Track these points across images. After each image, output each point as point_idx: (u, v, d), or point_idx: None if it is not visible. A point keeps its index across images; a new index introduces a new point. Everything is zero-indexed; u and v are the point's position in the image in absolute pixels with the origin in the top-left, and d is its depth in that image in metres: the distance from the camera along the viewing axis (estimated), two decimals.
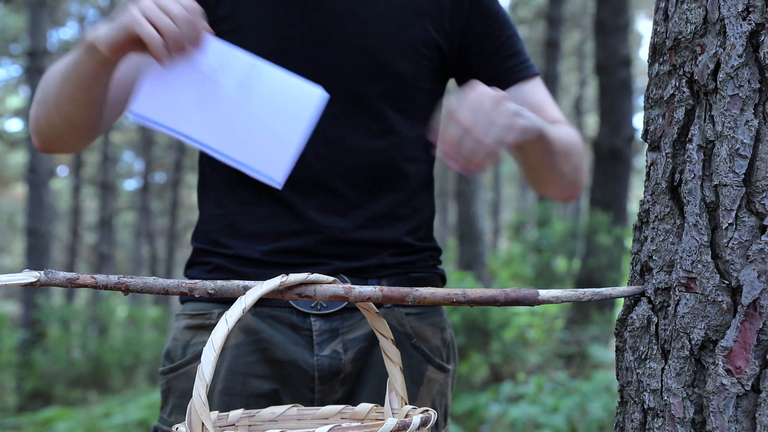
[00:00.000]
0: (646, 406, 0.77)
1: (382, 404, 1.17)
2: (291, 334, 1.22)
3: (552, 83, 11.32)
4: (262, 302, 1.16)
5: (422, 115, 1.31)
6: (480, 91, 1.09)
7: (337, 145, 1.24)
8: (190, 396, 1.20)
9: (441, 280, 1.36)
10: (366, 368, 1.24)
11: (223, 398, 1.19)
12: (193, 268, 1.30)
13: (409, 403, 1.20)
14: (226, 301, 1.18)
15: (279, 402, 1.20)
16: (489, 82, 1.29)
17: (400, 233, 1.28)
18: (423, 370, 1.28)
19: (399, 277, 1.27)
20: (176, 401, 1.24)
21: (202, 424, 0.63)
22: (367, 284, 1.21)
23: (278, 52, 1.22)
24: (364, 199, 1.26)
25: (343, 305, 1.23)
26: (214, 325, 1.17)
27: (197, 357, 1.21)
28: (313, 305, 1.22)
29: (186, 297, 1.24)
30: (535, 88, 1.36)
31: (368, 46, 1.25)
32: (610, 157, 7.51)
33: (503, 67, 1.34)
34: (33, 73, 9.56)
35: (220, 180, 1.29)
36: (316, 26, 1.25)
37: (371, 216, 1.26)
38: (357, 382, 1.24)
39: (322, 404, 1.20)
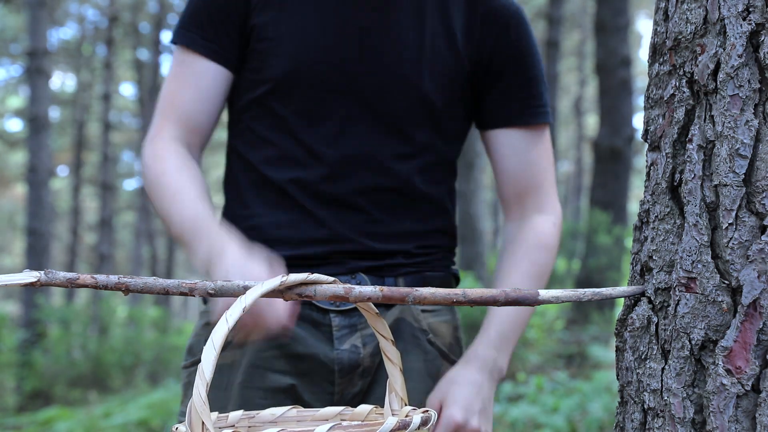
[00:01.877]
0: (646, 406, 0.77)
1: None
2: (311, 330, 1.24)
3: (552, 83, 11.32)
4: None
5: (448, 141, 1.35)
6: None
7: (367, 165, 1.27)
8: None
9: (455, 280, 1.39)
10: (384, 362, 1.26)
11: (242, 391, 1.21)
12: None
13: (424, 398, 1.25)
14: None
15: (296, 396, 1.23)
16: (494, 115, 1.36)
17: (417, 246, 1.31)
18: (438, 365, 1.31)
19: (414, 276, 1.30)
20: None
21: (202, 423, 0.63)
22: (383, 283, 1.27)
23: (314, 69, 1.25)
24: (386, 215, 1.29)
25: None
26: None
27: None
28: (332, 302, 1.24)
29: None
30: (535, 141, 1.36)
31: (403, 71, 1.27)
32: (610, 157, 7.51)
33: (512, 105, 1.34)
34: (33, 73, 9.56)
35: (247, 180, 1.31)
36: (354, 47, 1.26)
37: (392, 232, 1.29)
38: (375, 376, 1.27)
39: (342, 397, 1.25)
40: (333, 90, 1.25)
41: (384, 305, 1.27)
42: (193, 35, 1.29)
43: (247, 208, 1.30)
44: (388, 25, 1.27)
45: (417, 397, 1.26)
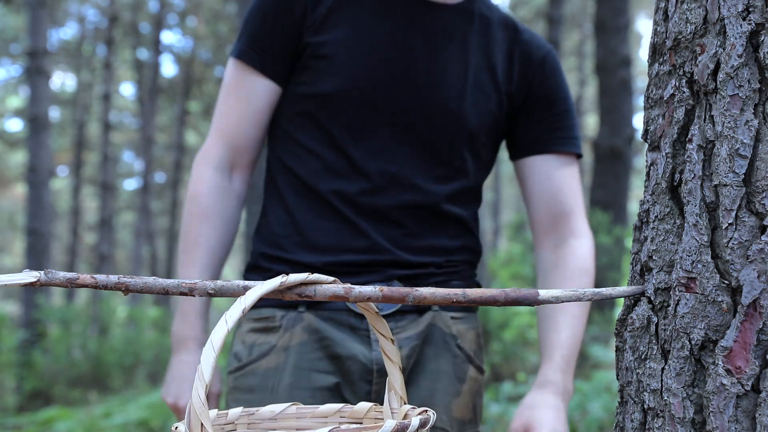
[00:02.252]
0: (646, 406, 0.77)
1: (433, 396, 1.34)
2: (350, 333, 1.33)
3: None
4: (322, 306, 1.33)
5: (481, 169, 1.45)
6: None
7: (405, 183, 1.35)
8: (256, 391, 1.32)
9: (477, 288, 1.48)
10: (418, 364, 1.36)
11: (291, 392, 1.29)
12: (253, 273, 1.39)
13: (453, 399, 1.37)
14: (287, 305, 1.33)
15: (340, 394, 1.31)
16: (529, 143, 1.46)
17: (447, 261, 1.40)
18: (465, 369, 1.40)
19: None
20: (242, 396, 1.33)
21: (201, 423, 0.63)
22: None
23: (365, 90, 1.34)
24: (420, 230, 1.37)
25: (396, 309, 1.34)
26: (278, 327, 1.34)
27: (263, 355, 1.33)
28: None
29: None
30: (566, 168, 1.45)
31: (448, 102, 1.36)
32: (610, 157, 7.51)
33: (544, 135, 1.45)
34: (33, 73, 9.55)
35: (290, 188, 1.39)
36: (403, 72, 1.35)
37: (425, 246, 1.37)
38: (410, 376, 1.35)
39: (378, 396, 1.33)
40: (381, 110, 1.34)
41: (417, 311, 1.37)
42: (250, 51, 1.37)
43: (290, 214, 1.37)
44: (436, 55, 1.36)
45: (445, 397, 1.36)
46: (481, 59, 1.40)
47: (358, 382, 1.32)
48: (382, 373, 1.31)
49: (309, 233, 1.34)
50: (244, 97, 1.37)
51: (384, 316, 1.29)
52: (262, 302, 1.36)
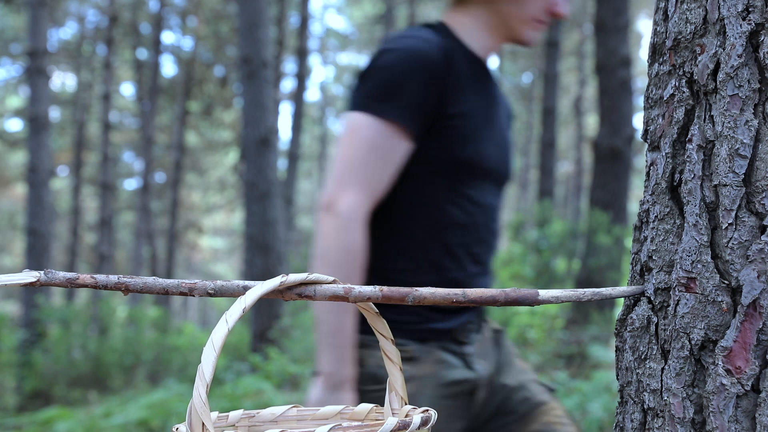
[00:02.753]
0: (646, 406, 0.77)
1: (515, 363, 1.71)
2: (456, 360, 1.59)
3: (552, 83, 11.32)
4: (439, 338, 1.58)
5: None
6: None
7: (491, 230, 1.65)
8: None
9: None
10: (500, 363, 1.68)
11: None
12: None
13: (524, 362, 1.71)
14: (418, 338, 1.54)
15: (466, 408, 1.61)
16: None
17: None
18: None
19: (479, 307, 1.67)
20: None
21: (203, 423, 0.62)
22: (481, 325, 1.67)
23: (485, 155, 1.58)
24: (489, 264, 1.68)
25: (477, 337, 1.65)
26: (415, 358, 1.54)
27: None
28: (465, 339, 1.61)
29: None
30: None
31: (511, 156, 1.70)
32: (610, 157, 7.51)
33: None
34: (33, 73, 9.55)
35: (415, 239, 1.56)
36: (501, 140, 1.65)
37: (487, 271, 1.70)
38: (498, 372, 1.67)
39: (485, 403, 1.62)
40: (491, 173, 1.60)
41: (477, 330, 1.65)
42: (406, 116, 1.49)
43: (414, 262, 1.55)
44: (498, 117, 1.65)
45: (519, 360, 1.70)
46: (504, 111, 1.71)
47: (466, 393, 1.57)
48: (483, 383, 1.59)
49: (430, 283, 1.48)
50: (392, 159, 1.49)
51: (464, 344, 1.59)
52: (395, 333, 1.52)
